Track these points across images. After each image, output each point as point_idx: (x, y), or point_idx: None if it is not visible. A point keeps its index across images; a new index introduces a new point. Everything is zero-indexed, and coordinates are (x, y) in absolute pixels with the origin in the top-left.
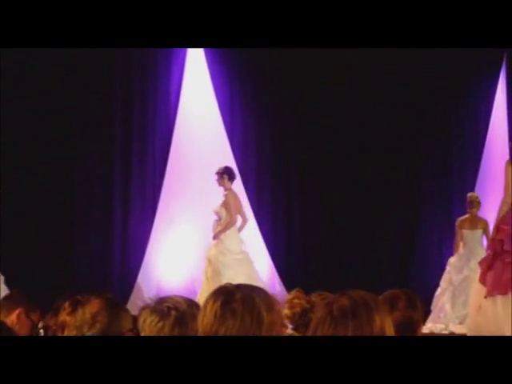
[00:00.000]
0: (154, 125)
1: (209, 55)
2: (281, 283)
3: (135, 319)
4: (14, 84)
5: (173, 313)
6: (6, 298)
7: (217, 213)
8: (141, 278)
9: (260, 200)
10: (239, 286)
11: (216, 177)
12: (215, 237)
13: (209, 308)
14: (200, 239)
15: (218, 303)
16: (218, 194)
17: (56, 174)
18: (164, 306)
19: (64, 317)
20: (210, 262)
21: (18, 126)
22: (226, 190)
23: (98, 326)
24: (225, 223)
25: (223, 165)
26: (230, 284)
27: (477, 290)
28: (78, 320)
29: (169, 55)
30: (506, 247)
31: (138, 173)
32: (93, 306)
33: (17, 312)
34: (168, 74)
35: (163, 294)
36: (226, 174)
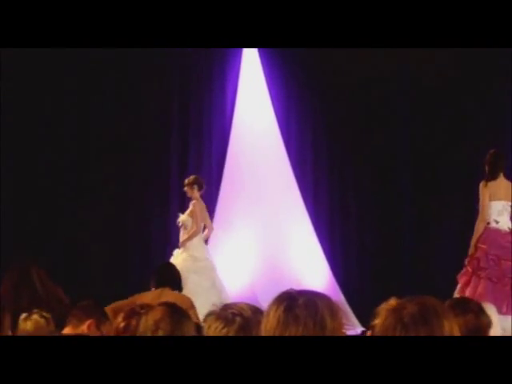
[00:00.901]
0: (209, 130)
1: (263, 56)
2: (337, 286)
3: (198, 326)
4: (78, 85)
5: (237, 319)
6: (79, 307)
7: (183, 221)
8: None
9: (316, 205)
10: (302, 292)
11: (186, 187)
12: (181, 245)
13: (272, 314)
14: (258, 245)
15: (281, 309)
16: (275, 200)
17: (113, 180)
18: (229, 313)
19: (120, 325)
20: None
21: (78, 132)
22: (193, 199)
23: (160, 332)
24: (190, 232)
25: (192, 176)
26: (293, 289)
27: None
28: (141, 327)
29: (224, 56)
30: (483, 264)
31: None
32: (156, 313)
33: (88, 322)
34: (223, 76)
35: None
36: (195, 184)
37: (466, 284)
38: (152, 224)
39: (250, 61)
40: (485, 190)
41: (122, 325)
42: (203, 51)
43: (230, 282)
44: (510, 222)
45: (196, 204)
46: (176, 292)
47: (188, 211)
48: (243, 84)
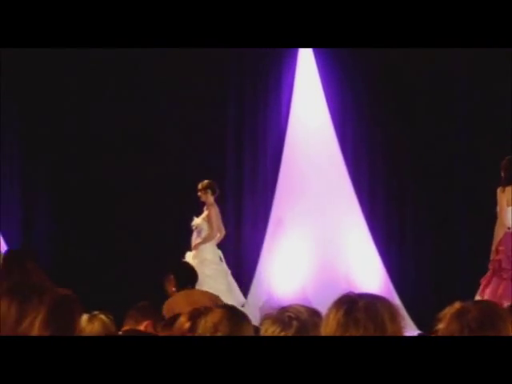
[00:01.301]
0: (265, 132)
1: (318, 56)
2: (393, 290)
3: (256, 329)
4: (133, 86)
5: (294, 323)
6: (136, 308)
7: (197, 225)
8: (254, 288)
9: (372, 207)
10: (362, 295)
11: (199, 191)
12: (194, 248)
13: (332, 316)
14: (313, 248)
15: (342, 312)
16: (330, 203)
17: (170, 181)
18: (285, 316)
19: (185, 326)
20: None
21: (133, 132)
22: (208, 204)
23: (219, 334)
24: (206, 235)
25: (206, 180)
26: (353, 292)
27: None
28: (200, 328)
29: (280, 57)
30: (504, 265)
31: (249, 183)
32: (214, 316)
33: (145, 324)
34: (279, 77)
35: (276, 302)
36: (209, 189)
37: (486, 285)
38: None
39: (306, 61)
40: (502, 196)
41: (187, 325)
42: (259, 51)
43: (285, 285)
44: None
45: (212, 208)
46: (204, 290)
47: (203, 215)
48: (299, 84)
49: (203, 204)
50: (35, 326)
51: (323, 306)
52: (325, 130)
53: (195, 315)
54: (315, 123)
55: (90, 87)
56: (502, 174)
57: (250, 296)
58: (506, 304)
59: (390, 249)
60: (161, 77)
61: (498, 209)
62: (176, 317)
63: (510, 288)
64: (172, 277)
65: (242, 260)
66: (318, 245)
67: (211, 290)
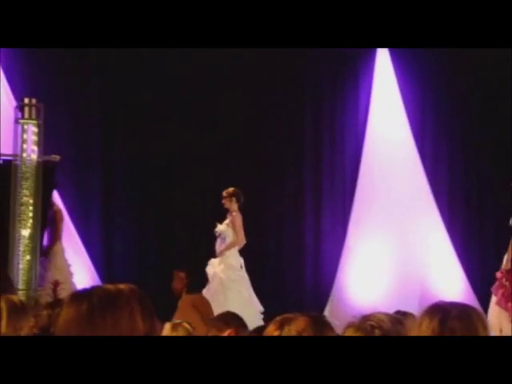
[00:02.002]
0: (342, 135)
1: (395, 56)
2: (473, 295)
3: None
4: (208, 87)
5: (376, 331)
6: (218, 317)
7: (222, 232)
8: (334, 295)
9: (451, 209)
10: (454, 303)
11: (224, 199)
12: (220, 254)
13: (425, 324)
14: (393, 255)
15: (436, 320)
16: (409, 207)
17: (248, 185)
18: (368, 325)
19: (274, 335)
20: (214, 277)
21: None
22: (232, 211)
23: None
24: (231, 242)
25: (231, 188)
26: (444, 301)
27: (495, 312)
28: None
29: (357, 57)
30: None
31: (328, 188)
32: (299, 323)
33: (228, 332)
34: (357, 78)
35: (355, 311)
36: (233, 197)
37: (507, 297)
38: (285, 229)
39: (383, 61)
40: None
41: (276, 334)
42: (336, 52)
43: (365, 291)
44: None
45: (236, 216)
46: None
47: (227, 222)
48: (376, 85)
49: (226, 211)
50: (139, 322)
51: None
52: (403, 132)
53: (284, 323)
54: (393, 125)
55: (166, 93)
56: None
57: (329, 304)
58: None
59: (470, 252)
60: (236, 78)
61: None
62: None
63: None
64: (183, 274)
65: (322, 267)
66: (398, 249)
67: (237, 295)
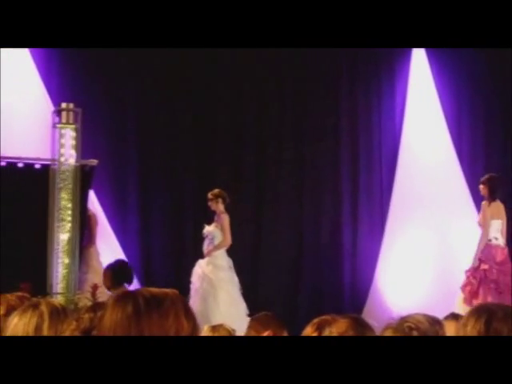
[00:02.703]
0: (379, 135)
1: (432, 56)
2: None
3: None
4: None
5: (414, 333)
6: (256, 319)
7: (210, 232)
8: (371, 296)
9: None
10: (499, 305)
11: (209, 200)
12: (208, 254)
13: (470, 325)
14: (432, 255)
15: (482, 321)
16: (446, 206)
17: (287, 186)
18: (406, 326)
19: (319, 334)
20: (204, 278)
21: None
22: (220, 212)
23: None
24: (220, 243)
25: (216, 189)
26: (489, 302)
27: (460, 309)
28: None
29: (392, 57)
30: (489, 276)
31: (365, 188)
32: (340, 326)
33: (266, 334)
34: (392, 78)
35: (393, 312)
36: (220, 198)
37: (473, 294)
38: (322, 229)
39: (419, 62)
40: (487, 210)
41: (315, 335)
42: (371, 51)
43: (403, 292)
44: (504, 239)
45: (225, 217)
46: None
47: (216, 223)
48: (412, 85)
49: (214, 212)
50: (184, 324)
51: (442, 313)
52: (440, 132)
53: (322, 325)
54: (430, 125)
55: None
56: (487, 190)
57: (367, 305)
58: None
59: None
60: (272, 79)
61: (482, 221)
62: None
63: (498, 298)
64: (109, 272)
65: (359, 267)
66: (436, 249)
67: (227, 294)
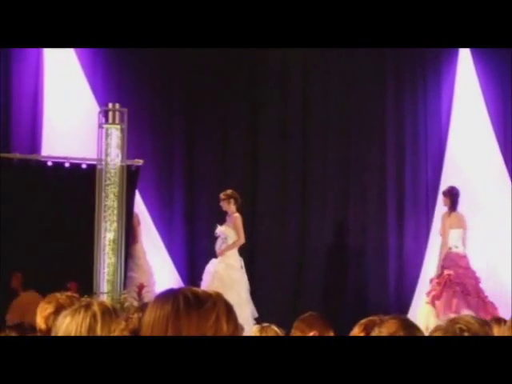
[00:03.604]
0: (425, 138)
1: (477, 56)
2: None
3: None
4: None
5: (465, 334)
6: (302, 319)
7: (222, 232)
8: (416, 298)
9: None
10: None
11: (221, 201)
12: (221, 254)
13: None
14: (478, 257)
15: None
16: (496, 210)
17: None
18: (456, 328)
19: (366, 335)
20: (215, 276)
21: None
22: (232, 212)
23: None
24: (234, 242)
25: (228, 190)
26: None
27: (425, 310)
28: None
29: (439, 57)
30: (454, 279)
31: (411, 193)
32: (390, 327)
33: (311, 334)
34: (439, 79)
35: (438, 315)
36: (232, 198)
37: (437, 297)
38: (368, 232)
39: (465, 62)
40: (447, 220)
41: (362, 336)
42: (417, 52)
43: None
44: (464, 247)
45: (237, 217)
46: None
47: (229, 223)
48: (459, 86)
49: (225, 213)
50: (224, 326)
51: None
52: (485, 133)
53: (370, 326)
54: (476, 126)
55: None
56: (448, 201)
57: (412, 306)
58: (460, 313)
59: None
60: (317, 79)
61: (442, 231)
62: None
63: (463, 300)
64: (19, 275)
65: (405, 269)
66: (482, 251)
67: (236, 295)
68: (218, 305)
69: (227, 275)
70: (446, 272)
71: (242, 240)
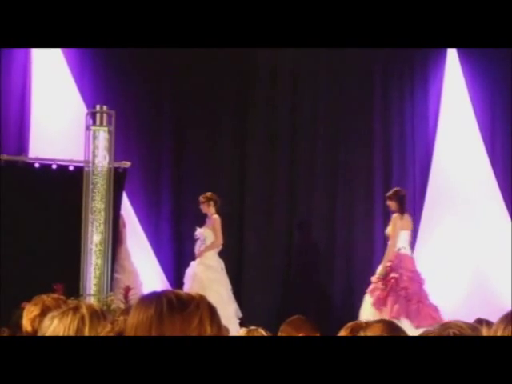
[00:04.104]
0: (412, 139)
1: (463, 57)
2: None
3: None
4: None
5: None
6: (288, 322)
7: (201, 234)
8: None
9: None
10: None
11: (201, 203)
12: (199, 255)
13: (499, 333)
14: (465, 259)
15: (510, 329)
16: (483, 211)
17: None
18: (449, 332)
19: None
20: (195, 278)
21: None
22: (211, 214)
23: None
24: (212, 243)
25: (208, 192)
26: None
27: (368, 311)
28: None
29: (426, 58)
30: (402, 284)
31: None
32: (374, 330)
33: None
34: (426, 79)
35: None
36: (211, 201)
37: (382, 300)
38: (355, 230)
39: (452, 62)
40: (399, 222)
41: (348, 336)
42: (404, 52)
43: (436, 291)
44: (410, 249)
45: (216, 218)
46: None
47: (208, 225)
48: (446, 86)
49: (205, 215)
50: (207, 329)
51: (475, 313)
52: (473, 134)
53: (355, 329)
54: (463, 127)
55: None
56: (397, 204)
57: None
58: (400, 319)
59: None
60: (308, 80)
61: (391, 232)
62: None
63: (403, 306)
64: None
65: None
66: (469, 253)
67: (216, 295)
68: (201, 307)
69: (206, 276)
70: (393, 274)
71: (220, 241)
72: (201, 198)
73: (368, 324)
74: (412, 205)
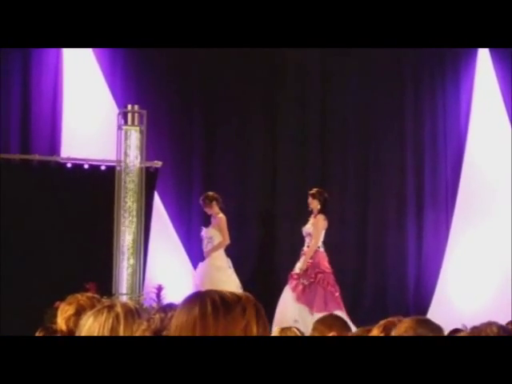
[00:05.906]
0: (444, 139)
1: (496, 57)
2: None
3: None
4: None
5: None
6: (320, 320)
7: (207, 232)
8: (435, 302)
9: None
10: None
11: (203, 204)
12: (207, 254)
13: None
14: (497, 260)
15: None
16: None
17: (350, 192)
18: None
19: (386, 335)
20: (205, 278)
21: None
22: (216, 213)
23: None
24: (219, 243)
25: (209, 193)
26: None
27: (293, 306)
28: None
29: (458, 57)
30: (327, 279)
31: (430, 194)
32: (408, 327)
33: (330, 335)
34: (457, 78)
35: (457, 316)
36: (214, 201)
37: (306, 294)
38: (387, 232)
39: (484, 62)
40: (322, 222)
41: (382, 336)
42: (436, 52)
43: (468, 292)
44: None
45: (221, 218)
46: None
47: (214, 225)
48: (478, 86)
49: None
50: (253, 331)
51: (506, 315)
52: (504, 134)
53: (389, 327)
54: (495, 126)
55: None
56: (319, 204)
57: (432, 307)
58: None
59: None
60: (336, 80)
61: (315, 232)
62: None
63: (333, 299)
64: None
65: (424, 271)
66: (502, 255)
67: None
68: (248, 308)
69: (217, 278)
70: (317, 270)
71: (227, 240)
72: (202, 200)
73: (400, 321)
74: (444, 205)
